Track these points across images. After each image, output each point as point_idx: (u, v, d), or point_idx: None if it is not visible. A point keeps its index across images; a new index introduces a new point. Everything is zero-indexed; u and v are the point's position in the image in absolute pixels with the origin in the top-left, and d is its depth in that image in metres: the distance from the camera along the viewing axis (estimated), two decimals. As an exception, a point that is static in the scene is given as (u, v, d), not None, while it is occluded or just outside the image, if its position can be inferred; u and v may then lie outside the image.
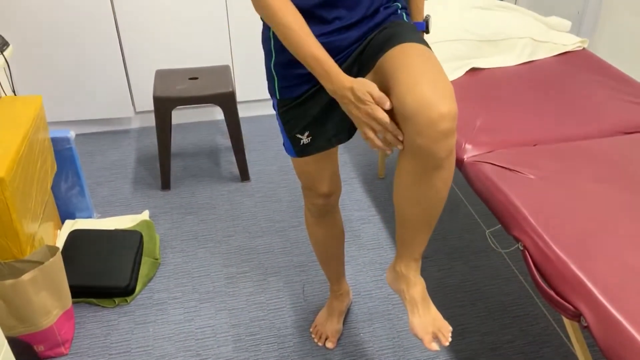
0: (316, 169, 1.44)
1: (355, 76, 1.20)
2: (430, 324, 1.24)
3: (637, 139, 1.72)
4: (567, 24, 2.38)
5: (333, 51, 1.16)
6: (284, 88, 1.30)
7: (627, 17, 3.11)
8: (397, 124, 1.06)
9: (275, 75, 1.29)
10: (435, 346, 1.21)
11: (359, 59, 1.21)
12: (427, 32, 1.37)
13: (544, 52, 2.25)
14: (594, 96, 1.95)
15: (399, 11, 1.28)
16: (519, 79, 2.08)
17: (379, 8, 1.23)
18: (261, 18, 1.21)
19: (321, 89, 1.21)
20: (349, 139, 1.38)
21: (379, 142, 1.10)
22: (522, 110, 1.87)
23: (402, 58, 1.07)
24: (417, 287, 1.27)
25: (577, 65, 2.18)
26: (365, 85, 1.07)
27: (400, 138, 1.06)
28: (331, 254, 1.69)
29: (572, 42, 2.30)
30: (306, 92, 1.28)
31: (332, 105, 1.27)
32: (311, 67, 1.11)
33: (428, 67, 1.03)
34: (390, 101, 1.05)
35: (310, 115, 1.31)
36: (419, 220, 1.18)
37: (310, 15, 1.15)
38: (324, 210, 1.56)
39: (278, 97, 1.32)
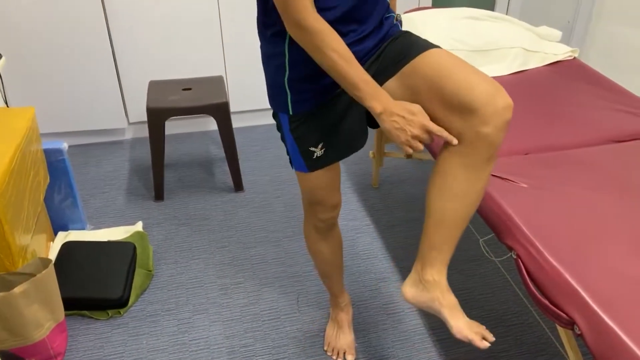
0: (327, 180, 1.44)
1: None
2: (474, 325, 1.24)
3: (628, 147, 1.74)
4: (558, 33, 2.41)
5: None
6: (297, 102, 1.29)
7: (616, 27, 3.14)
8: (444, 124, 1.15)
9: (288, 90, 1.28)
10: (486, 343, 1.21)
11: (374, 66, 1.25)
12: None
13: (535, 62, 2.27)
14: (584, 105, 1.97)
15: (395, 22, 1.33)
16: (511, 89, 2.10)
17: (382, 19, 1.27)
18: (268, 36, 1.24)
19: (336, 97, 1.25)
20: (361, 147, 1.41)
21: (419, 145, 1.14)
22: (514, 119, 1.88)
23: (444, 61, 1.15)
24: (451, 293, 1.28)
25: (568, 74, 2.20)
26: (407, 103, 1.13)
27: (454, 142, 1.13)
28: (335, 266, 1.69)
29: (562, 52, 2.32)
30: (320, 107, 1.29)
31: (349, 111, 1.30)
32: (359, 89, 1.13)
33: (473, 68, 1.14)
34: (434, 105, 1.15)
35: (326, 125, 1.32)
36: (461, 217, 1.22)
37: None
38: (330, 224, 1.57)
39: (291, 113, 1.31)
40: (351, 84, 1.13)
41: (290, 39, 1.21)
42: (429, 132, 1.12)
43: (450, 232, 1.23)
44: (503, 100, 1.08)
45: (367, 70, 1.24)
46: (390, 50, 1.24)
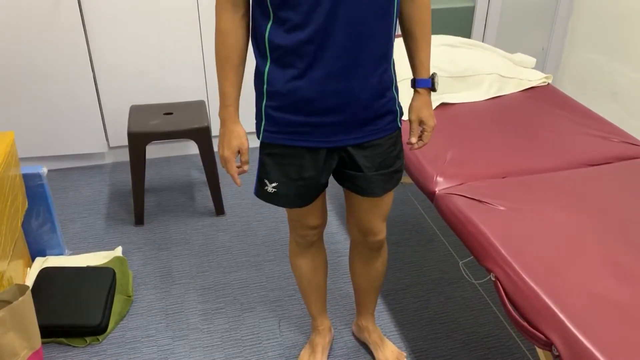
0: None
1: (325, 159, 1.35)
2: (390, 356, 1.77)
3: (601, 171, 1.78)
4: (532, 60, 2.48)
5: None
6: (268, 132, 1.33)
7: (588, 54, 3.25)
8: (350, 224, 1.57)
9: (263, 117, 1.32)
10: None
11: (338, 156, 1.37)
12: (434, 90, 1.42)
13: (510, 88, 2.33)
14: (558, 130, 2.02)
15: (396, 111, 1.37)
16: (488, 114, 2.15)
17: (379, 100, 1.31)
18: (256, 57, 1.28)
19: (306, 149, 1.31)
20: (311, 203, 1.46)
21: (226, 164, 1.36)
22: (491, 144, 1.93)
23: (369, 206, 1.48)
24: (376, 333, 1.82)
25: (542, 100, 2.26)
26: (243, 144, 1.34)
27: (238, 184, 1.38)
28: (315, 285, 1.69)
29: (537, 78, 2.38)
30: (288, 149, 1.32)
31: (312, 166, 1.34)
32: (220, 96, 1.31)
33: (382, 213, 1.51)
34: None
35: (286, 170, 1.35)
36: (370, 287, 1.71)
37: None
38: (310, 241, 1.59)
39: (260, 139, 1.35)
40: (218, 87, 1.30)
41: (270, 65, 1.25)
42: (227, 170, 1.35)
43: (367, 296, 1.74)
44: (379, 237, 1.55)
45: (336, 151, 1.34)
46: (353, 160, 1.36)
